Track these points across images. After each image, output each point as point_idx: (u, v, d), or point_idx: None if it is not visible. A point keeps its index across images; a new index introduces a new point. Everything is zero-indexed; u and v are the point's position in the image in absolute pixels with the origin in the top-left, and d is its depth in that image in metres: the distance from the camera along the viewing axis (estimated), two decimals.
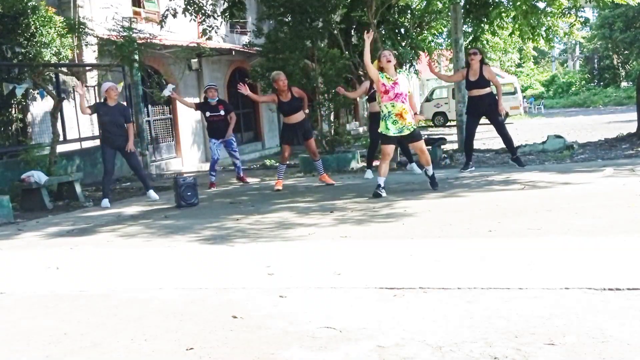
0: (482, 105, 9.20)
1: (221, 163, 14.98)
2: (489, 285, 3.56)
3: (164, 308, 3.66)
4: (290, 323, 3.21)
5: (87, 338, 3.23)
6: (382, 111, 7.51)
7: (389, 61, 7.42)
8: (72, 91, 12.35)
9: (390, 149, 7.62)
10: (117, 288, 4.21)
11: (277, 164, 9.78)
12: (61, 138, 11.09)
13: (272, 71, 9.92)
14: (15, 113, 10.71)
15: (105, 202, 8.71)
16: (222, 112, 10.21)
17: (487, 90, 9.25)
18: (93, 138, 12.15)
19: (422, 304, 3.36)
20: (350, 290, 3.71)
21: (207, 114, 10.19)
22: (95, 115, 11.93)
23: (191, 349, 2.96)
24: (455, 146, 13.44)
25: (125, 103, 13.07)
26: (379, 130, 7.62)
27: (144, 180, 9.29)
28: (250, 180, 10.75)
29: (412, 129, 7.53)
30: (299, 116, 9.13)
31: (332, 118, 12.67)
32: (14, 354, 3.09)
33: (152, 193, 9.13)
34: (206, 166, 15.03)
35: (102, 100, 9.10)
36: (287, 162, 9.71)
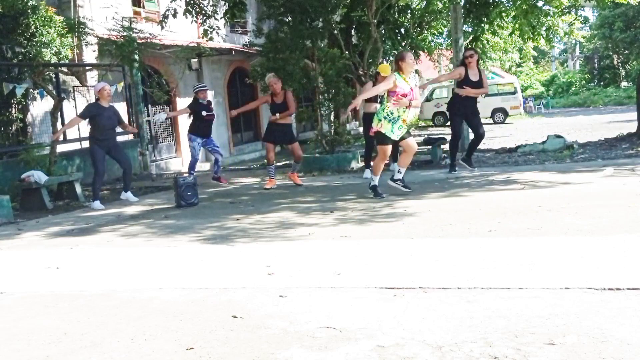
0: (468, 106, 9.21)
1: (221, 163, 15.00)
2: (489, 285, 3.57)
3: (164, 308, 3.66)
4: (290, 323, 3.21)
5: (87, 338, 3.24)
6: (392, 113, 7.27)
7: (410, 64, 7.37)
8: (72, 91, 12.35)
9: (389, 149, 7.54)
10: (117, 288, 4.21)
11: (266, 166, 9.83)
12: (61, 138, 11.08)
13: (273, 71, 10.02)
14: (15, 113, 10.70)
15: (97, 203, 8.61)
16: (214, 112, 10.50)
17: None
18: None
19: (422, 303, 3.36)
20: (350, 290, 3.71)
21: (204, 113, 10.24)
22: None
23: (191, 349, 2.96)
24: None
25: (125, 103, 13.10)
26: (382, 130, 7.34)
27: (128, 180, 9.11)
28: (250, 180, 10.72)
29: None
30: (286, 119, 9.46)
31: (332, 118, 12.67)
32: (14, 353, 3.10)
33: (130, 195, 9.02)
34: (206, 166, 15.01)
35: (94, 101, 8.86)
36: (276, 162, 9.77)
